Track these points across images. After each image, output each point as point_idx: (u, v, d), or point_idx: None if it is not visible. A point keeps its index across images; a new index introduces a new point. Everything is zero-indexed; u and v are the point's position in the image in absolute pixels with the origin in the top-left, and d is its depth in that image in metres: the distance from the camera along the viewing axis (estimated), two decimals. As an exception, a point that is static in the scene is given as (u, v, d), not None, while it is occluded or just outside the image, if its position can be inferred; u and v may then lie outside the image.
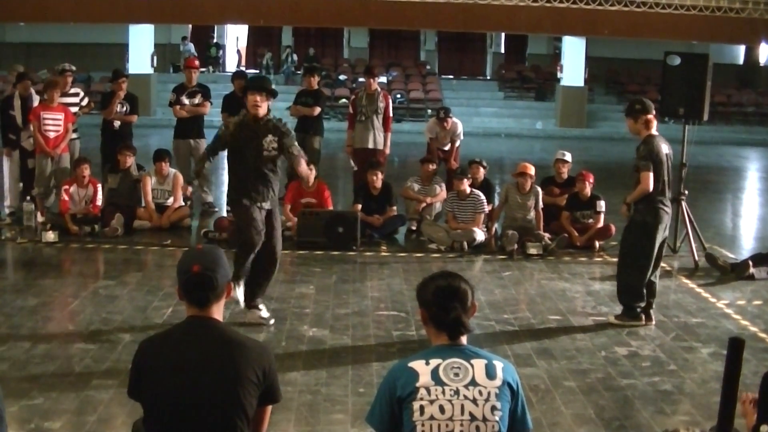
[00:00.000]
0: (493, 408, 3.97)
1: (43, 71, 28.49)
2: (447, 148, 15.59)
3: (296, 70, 37.18)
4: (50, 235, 12.70)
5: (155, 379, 4.05)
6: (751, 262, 11.93)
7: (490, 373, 4.03)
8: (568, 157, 14.15)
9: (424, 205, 13.99)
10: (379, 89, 15.09)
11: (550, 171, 14.62)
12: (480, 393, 3.98)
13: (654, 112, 9.77)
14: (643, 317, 9.73)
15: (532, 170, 13.32)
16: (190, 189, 14.48)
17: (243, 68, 36.73)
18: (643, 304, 9.71)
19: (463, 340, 4.16)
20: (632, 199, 9.59)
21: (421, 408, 3.94)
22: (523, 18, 24.87)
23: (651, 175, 9.43)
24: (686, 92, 12.64)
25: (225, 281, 4.20)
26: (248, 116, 9.07)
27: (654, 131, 9.65)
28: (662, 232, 9.68)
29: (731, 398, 4.24)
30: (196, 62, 16.18)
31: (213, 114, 15.96)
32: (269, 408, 4.32)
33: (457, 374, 4.00)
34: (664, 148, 9.63)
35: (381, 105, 14.76)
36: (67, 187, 13.44)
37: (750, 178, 25.73)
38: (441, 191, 14.15)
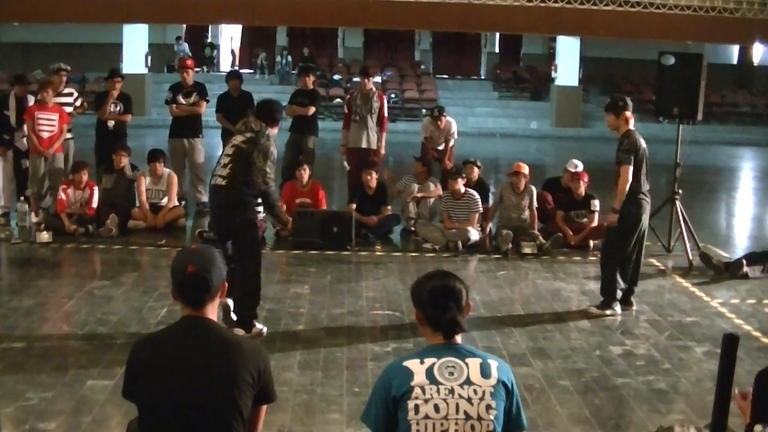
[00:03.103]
0: (488, 407, 3.97)
1: (37, 71, 28.47)
2: (441, 147, 15.61)
3: (291, 70, 37.20)
4: (44, 236, 12.68)
5: (150, 379, 4.05)
6: (745, 262, 11.95)
7: (485, 372, 4.04)
8: (580, 168, 14.03)
9: (414, 195, 14.00)
10: (374, 89, 15.08)
11: (545, 171, 14.61)
12: (475, 392, 3.98)
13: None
14: (620, 304, 10.08)
15: (526, 170, 13.33)
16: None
17: (237, 68, 36.73)
18: (622, 290, 10.04)
19: (458, 339, 4.16)
20: (619, 202, 9.75)
21: (416, 407, 3.95)
22: (519, 18, 24.87)
23: (631, 168, 9.70)
24: (681, 92, 12.67)
25: (220, 281, 4.20)
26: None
27: (632, 127, 9.92)
28: (644, 221, 9.99)
29: (725, 396, 4.23)
30: (188, 62, 16.17)
31: (208, 114, 15.96)
32: (264, 408, 4.32)
33: (452, 373, 4.01)
34: (642, 143, 9.92)
35: (376, 105, 14.75)
36: (65, 186, 13.45)
37: (744, 178, 25.77)
38: (435, 189, 14.15)
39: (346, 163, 15.08)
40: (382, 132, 14.87)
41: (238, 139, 8.97)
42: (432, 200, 14.10)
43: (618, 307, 10.01)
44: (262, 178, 8.87)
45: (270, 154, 8.88)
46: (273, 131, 9.13)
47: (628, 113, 9.91)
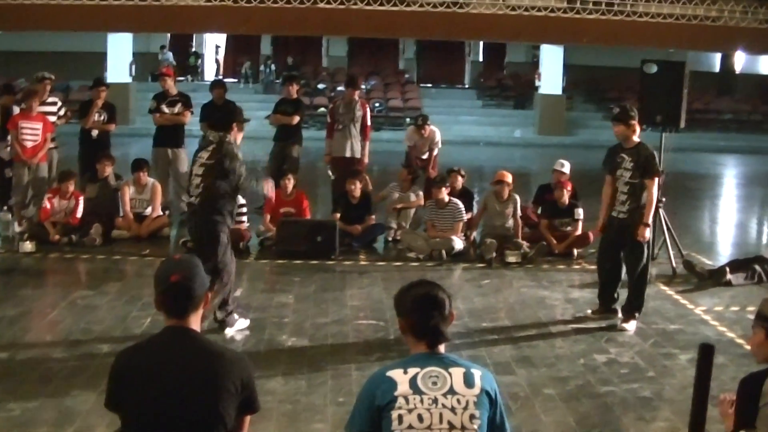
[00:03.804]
0: (472, 416, 3.97)
1: (21, 80, 28.39)
2: (425, 156, 15.59)
3: (275, 79, 37.19)
4: (28, 245, 12.65)
5: (133, 389, 4.04)
6: (728, 269, 12.00)
7: (469, 382, 4.04)
8: (566, 168, 14.07)
9: (394, 206, 14.04)
10: (356, 98, 15.06)
11: (529, 179, 14.63)
12: (458, 401, 3.98)
13: None
14: (605, 311, 10.23)
15: (509, 178, 13.35)
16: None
17: (222, 77, 36.70)
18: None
19: (442, 348, 4.16)
20: (650, 214, 9.76)
21: (400, 417, 3.94)
22: (503, 26, 24.91)
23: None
24: (664, 100, 12.71)
25: (203, 291, 4.19)
26: None
27: (638, 137, 9.96)
28: None
29: (702, 404, 4.25)
30: (165, 70, 16.20)
31: (192, 123, 15.94)
32: (248, 418, 4.31)
33: (435, 383, 4.01)
34: None
35: (358, 113, 14.75)
36: (50, 195, 13.44)
37: (727, 185, 25.87)
38: (416, 199, 14.17)
39: (330, 172, 15.08)
40: (365, 141, 14.87)
41: (203, 156, 9.13)
42: (413, 210, 14.12)
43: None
44: (239, 180, 9.03)
45: (237, 156, 9.02)
46: (237, 138, 9.20)
47: (637, 123, 9.93)
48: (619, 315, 10.02)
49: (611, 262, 10.14)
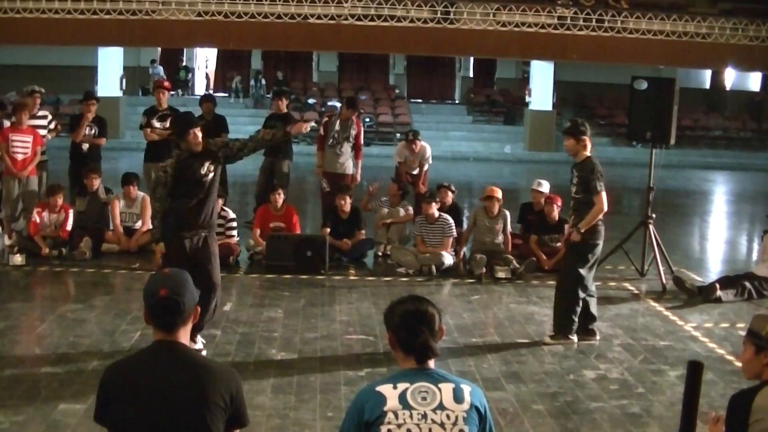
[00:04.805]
0: (461, 432, 3.97)
1: (11, 93, 28.37)
2: (415, 172, 15.57)
3: (265, 93, 37.20)
4: (17, 259, 12.62)
5: (122, 403, 4.03)
6: (718, 285, 12.00)
7: (458, 397, 4.03)
8: (544, 187, 14.10)
9: (383, 221, 14.04)
10: (353, 118, 15.02)
11: (519, 195, 14.64)
12: (448, 417, 3.97)
13: None
14: (580, 333, 9.94)
15: (499, 194, 13.35)
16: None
17: (211, 92, 36.69)
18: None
19: (431, 364, 4.15)
20: (587, 224, 9.62)
21: (389, 432, 3.94)
22: (492, 42, 25.02)
23: (604, 195, 9.62)
24: (653, 116, 12.75)
25: (192, 305, 4.18)
26: (184, 153, 8.98)
27: (589, 152, 9.87)
28: (600, 248, 9.92)
29: (690, 421, 4.25)
30: (166, 83, 16.13)
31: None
32: (237, 432, 4.31)
33: (424, 398, 4.00)
34: None
35: (353, 132, 14.73)
36: (39, 209, 13.40)
37: (717, 202, 25.91)
38: (405, 214, 14.18)
39: (324, 184, 14.92)
40: (357, 159, 14.83)
41: None
42: (403, 225, 14.12)
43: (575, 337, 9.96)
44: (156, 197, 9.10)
45: (157, 178, 9.04)
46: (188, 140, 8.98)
47: (587, 138, 9.84)
48: (597, 335, 10.00)
49: None
